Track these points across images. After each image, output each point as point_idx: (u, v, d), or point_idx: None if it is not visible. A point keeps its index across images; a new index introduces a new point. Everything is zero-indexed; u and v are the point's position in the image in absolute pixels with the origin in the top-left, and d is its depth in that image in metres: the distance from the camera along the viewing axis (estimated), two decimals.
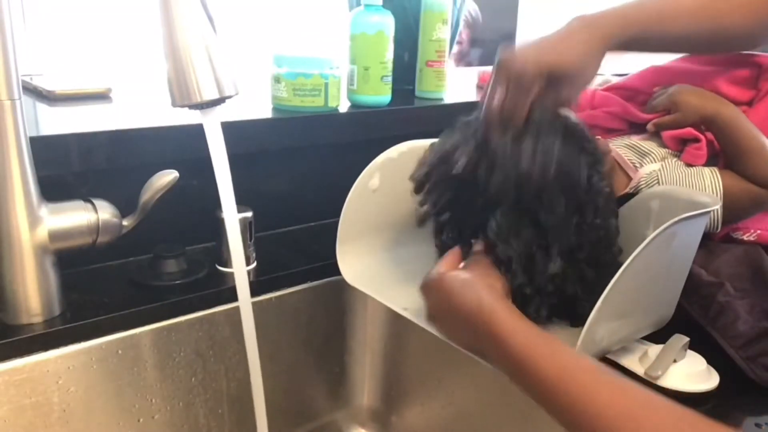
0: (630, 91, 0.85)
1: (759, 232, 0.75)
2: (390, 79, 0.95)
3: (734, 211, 0.73)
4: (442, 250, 0.67)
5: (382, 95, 0.95)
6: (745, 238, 0.76)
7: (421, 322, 0.63)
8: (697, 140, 0.76)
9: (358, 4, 0.93)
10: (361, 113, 0.94)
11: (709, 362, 0.63)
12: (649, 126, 0.78)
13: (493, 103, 0.60)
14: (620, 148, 0.80)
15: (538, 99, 0.59)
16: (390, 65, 0.94)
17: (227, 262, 0.78)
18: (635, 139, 0.81)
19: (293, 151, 0.92)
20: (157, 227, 0.73)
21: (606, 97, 0.82)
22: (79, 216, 0.65)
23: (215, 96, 0.55)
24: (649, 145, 0.79)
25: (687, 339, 0.63)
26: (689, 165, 0.76)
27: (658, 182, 0.75)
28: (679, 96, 0.76)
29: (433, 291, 0.59)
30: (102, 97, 0.89)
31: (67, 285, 0.68)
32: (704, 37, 0.70)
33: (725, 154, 0.75)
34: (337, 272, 0.73)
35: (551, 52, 0.60)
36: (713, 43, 0.73)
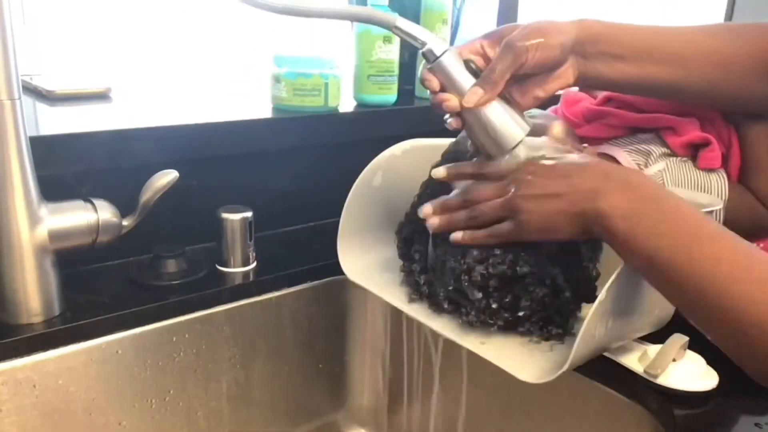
0: (625, 102, 0.85)
1: (761, 246, 0.73)
2: (396, 78, 0.95)
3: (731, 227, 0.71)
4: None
5: (388, 95, 0.95)
6: None
7: (422, 319, 0.63)
8: (707, 143, 0.76)
9: (360, 4, 0.93)
10: (360, 113, 0.94)
11: (708, 362, 0.63)
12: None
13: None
14: (623, 150, 0.80)
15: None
16: (396, 65, 0.95)
17: (227, 262, 0.79)
18: (634, 140, 0.81)
19: (293, 151, 0.92)
20: (157, 227, 0.73)
21: (599, 112, 0.82)
22: (78, 216, 0.65)
23: None
24: (648, 147, 0.79)
25: (686, 338, 0.62)
26: (706, 169, 0.74)
27: (664, 182, 0.75)
28: None
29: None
30: (102, 97, 0.89)
31: (67, 285, 0.68)
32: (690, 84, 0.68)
33: (742, 165, 0.73)
34: (338, 272, 0.73)
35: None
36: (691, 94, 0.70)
